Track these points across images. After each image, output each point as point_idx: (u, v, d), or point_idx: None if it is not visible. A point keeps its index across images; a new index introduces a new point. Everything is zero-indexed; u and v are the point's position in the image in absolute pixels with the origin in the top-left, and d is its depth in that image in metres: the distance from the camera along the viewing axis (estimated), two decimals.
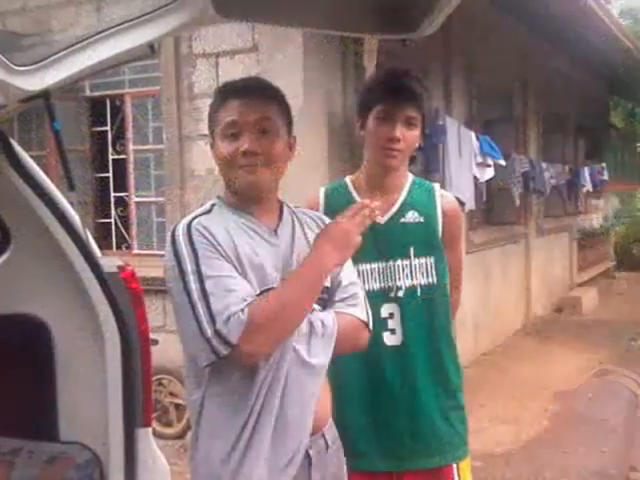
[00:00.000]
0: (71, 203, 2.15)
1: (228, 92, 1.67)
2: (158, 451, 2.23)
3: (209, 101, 1.74)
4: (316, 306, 1.66)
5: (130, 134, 5.71)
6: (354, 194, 2.15)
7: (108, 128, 5.85)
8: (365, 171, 2.17)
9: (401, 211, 2.12)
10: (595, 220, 12.39)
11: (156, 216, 5.69)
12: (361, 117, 2.13)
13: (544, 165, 8.55)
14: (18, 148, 2.11)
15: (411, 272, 2.09)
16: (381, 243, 2.09)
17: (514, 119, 8.42)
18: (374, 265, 2.09)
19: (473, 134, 6.42)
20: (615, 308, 9.75)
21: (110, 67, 1.85)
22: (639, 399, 5.88)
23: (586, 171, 10.21)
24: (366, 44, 4.57)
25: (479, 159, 6.45)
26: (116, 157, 5.83)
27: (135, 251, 5.71)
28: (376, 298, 2.02)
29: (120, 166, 5.81)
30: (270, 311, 1.52)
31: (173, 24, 1.61)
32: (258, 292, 1.57)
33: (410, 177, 2.19)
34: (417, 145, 2.15)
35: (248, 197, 1.66)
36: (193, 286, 1.53)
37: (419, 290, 2.10)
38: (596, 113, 12.60)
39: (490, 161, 6.61)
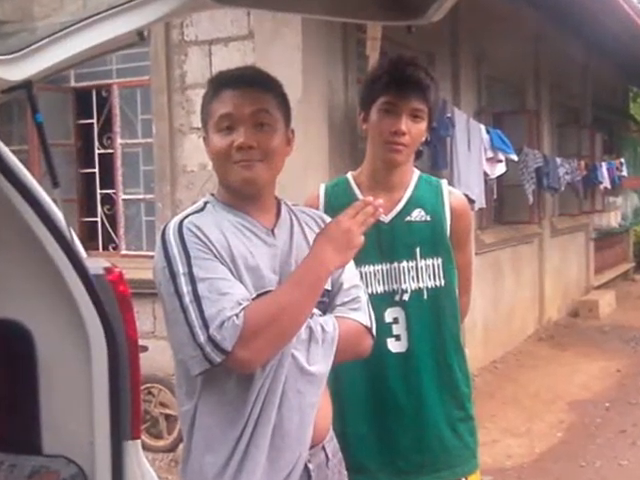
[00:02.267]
0: (55, 201, 2.15)
1: (222, 82, 1.67)
2: (147, 465, 2.23)
3: (202, 92, 1.74)
4: (316, 310, 1.66)
5: (117, 127, 5.71)
6: (356, 191, 2.15)
7: (94, 121, 5.86)
8: (368, 167, 2.17)
9: (406, 209, 2.12)
10: (613, 219, 12.37)
11: (145, 214, 5.69)
12: (364, 109, 2.13)
13: (558, 160, 8.55)
14: None
15: (417, 274, 2.09)
16: (385, 243, 2.09)
17: (526, 111, 8.42)
18: (377, 267, 2.09)
19: (483, 127, 6.43)
20: (634, 312, 9.75)
21: (96, 56, 1.85)
22: None
23: (603, 167, 10.21)
24: (369, 31, 4.56)
25: (489, 154, 6.46)
26: (103, 151, 5.84)
27: (123, 252, 5.71)
28: (380, 302, 2.02)
29: (107, 161, 5.81)
30: (267, 316, 1.52)
31: (163, 10, 1.61)
32: (254, 295, 1.57)
33: (416, 173, 2.19)
34: (423, 139, 2.15)
35: (243, 194, 1.66)
36: (185, 289, 1.53)
37: (425, 293, 2.10)
38: (614, 105, 12.60)
39: (501, 156, 6.62)
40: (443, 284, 2.11)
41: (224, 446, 1.59)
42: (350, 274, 1.75)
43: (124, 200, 5.75)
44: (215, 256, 1.56)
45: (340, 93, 5.12)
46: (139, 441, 2.21)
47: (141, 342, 2.29)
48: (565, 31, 8.85)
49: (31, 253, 2.15)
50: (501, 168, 6.68)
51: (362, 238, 1.63)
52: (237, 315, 1.49)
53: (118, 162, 5.73)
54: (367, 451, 2.09)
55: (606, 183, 10.24)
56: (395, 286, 2.09)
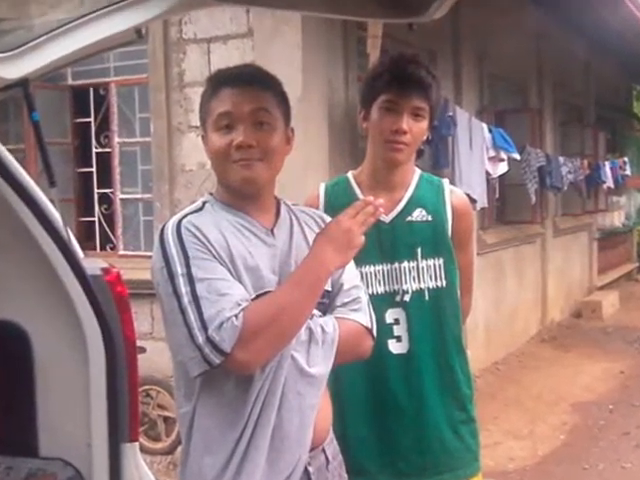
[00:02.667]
0: (52, 200, 2.15)
1: (221, 80, 1.67)
2: (145, 468, 2.23)
3: (200, 90, 1.74)
4: (316, 311, 1.66)
5: (115, 126, 5.71)
6: (357, 191, 2.15)
7: (91, 119, 5.85)
8: (369, 166, 2.17)
9: (407, 209, 2.12)
10: (616, 218, 12.39)
11: (143, 214, 5.69)
12: (364, 108, 2.13)
13: (561, 159, 8.55)
14: None
15: (418, 275, 2.09)
16: (386, 243, 2.09)
17: (529, 109, 8.42)
18: (378, 267, 2.09)
19: (485, 126, 6.42)
20: (638, 313, 9.75)
21: (94, 54, 1.85)
22: None
23: (607, 166, 10.21)
24: (370, 29, 4.56)
25: (491, 153, 6.46)
26: (100, 150, 5.84)
27: (121, 252, 5.71)
28: (380, 303, 2.02)
29: (104, 160, 5.81)
30: (266, 316, 1.52)
31: (162, 7, 1.61)
32: (253, 296, 1.57)
33: (417, 172, 2.19)
34: (425, 138, 2.15)
35: (242, 194, 1.66)
36: (183, 290, 1.53)
37: (427, 294, 2.10)
38: (617, 103, 12.60)
39: (503, 155, 6.61)
40: (444, 285, 2.11)
41: (223, 448, 1.59)
42: (350, 274, 1.75)
43: (122, 200, 5.75)
44: (214, 256, 1.56)
45: (340, 92, 5.12)
46: (137, 443, 2.21)
47: (139, 343, 2.29)
48: (568, 28, 8.85)
49: (28, 253, 2.15)
50: (503, 167, 6.68)
51: (362, 238, 1.62)
52: (236, 316, 1.49)
53: (116, 161, 5.72)
54: (368, 453, 2.09)
55: (609, 182, 10.24)
56: (396, 287, 2.10)
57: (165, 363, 1.77)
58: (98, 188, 5.87)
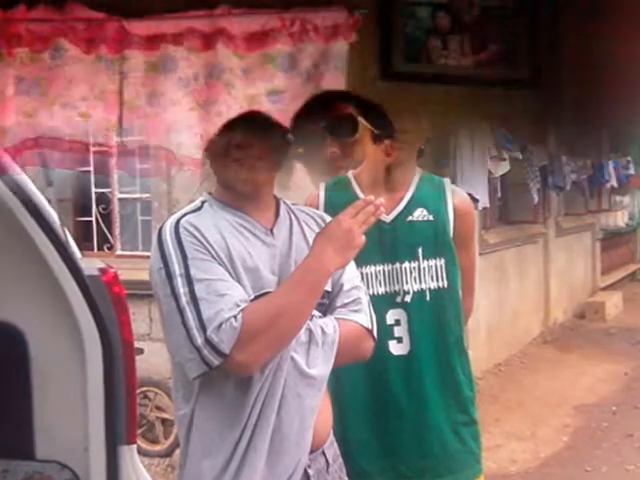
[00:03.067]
0: (48, 200, 2.15)
1: None
2: (143, 470, 2.23)
3: None
4: (316, 312, 1.66)
5: None
6: (357, 190, 2.15)
7: None
8: (369, 165, 2.17)
9: (408, 209, 2.12)
10: (620, 218, 12.37)
11: (141, 214, 5.69)
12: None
13: (564, 159, 8.55)
14: None
15: (419, 275, 2.09)
16: (386, 243, 2.09)
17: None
18: (379, 267, 2.09)
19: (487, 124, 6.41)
20: None
21: None
22: None
23: (610, 165, 10.19)
24: None
25: (493, 152, 6.45)
26: (98, 149, 5.83)
27: (118, 252, 5.71)
28: (381, 303, 2.02)
29: (102, 159, 5.80)
30: (266, 317, 1.52)
31: None
32: (253, 297, 1.58)
33: (418, 172, 2.19)
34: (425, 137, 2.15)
35: (242, 193, 1.66)
36: (181, 290, 1.53)
37: (428, 295, 2.10)
38: None
39: (505, 154, 6.60)
40: (446, 285, 2.11)
41: (222, 450, 1.59)
42: (351, 275, 1.75)
43: (119, 199, 5.75)
44: (213, 257, 1.56)
45: None
46: (135, 446, 2.21)
47: (137, 344, 2.29)
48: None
49: (25, 253, 2.15)
50: (505, 166, 6.67)
51: (363, 238, 1.62)
52: (235, 317, 1.49)
53: (113, 160, 5.72)
54: (368, 456, 2.09)
55: (613, 182, 10.22)
56: (397, 287, 2.10)
57: (163, 364, 1.77)
58: (96, 187, 5.87)
